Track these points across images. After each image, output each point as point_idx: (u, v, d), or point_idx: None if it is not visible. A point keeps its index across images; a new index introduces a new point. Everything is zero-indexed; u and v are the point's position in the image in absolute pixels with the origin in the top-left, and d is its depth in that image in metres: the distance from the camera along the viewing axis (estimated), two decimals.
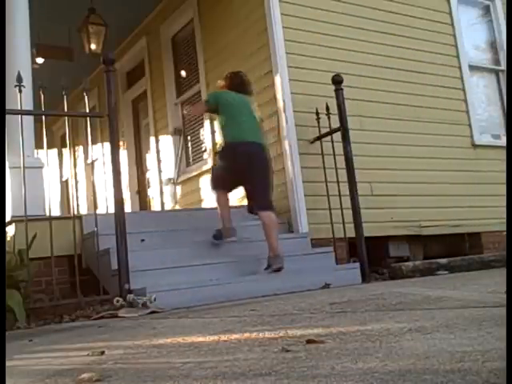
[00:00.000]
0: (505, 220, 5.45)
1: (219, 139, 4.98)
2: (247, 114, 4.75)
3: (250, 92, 4.92)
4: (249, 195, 4.81)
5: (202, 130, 6.84)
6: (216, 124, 5.15)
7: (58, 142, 10.75)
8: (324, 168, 5.16)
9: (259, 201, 4.65)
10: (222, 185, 4.77)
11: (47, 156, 4.38)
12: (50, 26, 7.07)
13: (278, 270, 4.43)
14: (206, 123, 6.60)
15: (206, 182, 6.50)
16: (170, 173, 7.30)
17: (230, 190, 4.83)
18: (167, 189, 7.34)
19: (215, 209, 5.24)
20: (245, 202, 5.77)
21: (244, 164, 4.59)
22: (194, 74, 6.94)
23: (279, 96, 5.36)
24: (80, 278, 3.99)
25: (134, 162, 8.72)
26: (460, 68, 6.75)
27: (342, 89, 5.16)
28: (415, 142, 6.06)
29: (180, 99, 7.34)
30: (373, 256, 5.11)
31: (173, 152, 7.26)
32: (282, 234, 5.15)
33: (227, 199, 4.79)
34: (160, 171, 7.64)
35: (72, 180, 9.43)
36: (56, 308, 3.89)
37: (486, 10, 7.51)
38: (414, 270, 4.89)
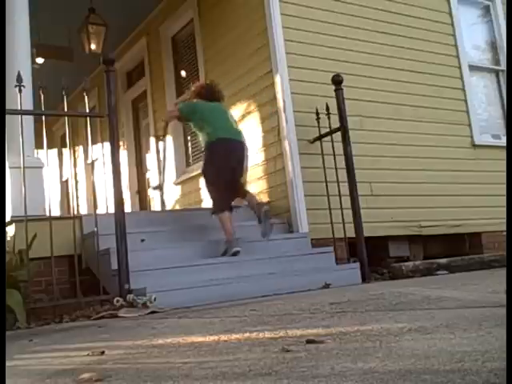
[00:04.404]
0: (505, 220, 5.45)
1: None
2: (224, 119, 5.00)
3: (222, 98, 5.16)
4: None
5: None
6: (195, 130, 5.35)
7: (58, 142, 10.76)
8: (324, 168, 5.16)
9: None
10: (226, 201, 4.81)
11: (47, 156, 4.38)
12: (50, 26, 7.08)
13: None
14: None
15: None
16: (172, 173, 7.28)
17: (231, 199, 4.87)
18: (156, 194, 7.27)
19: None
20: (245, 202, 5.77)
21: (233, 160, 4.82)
22: (194, 74, 6.94)
23: (279, 96, 5.36)
24: (80, 278, 3.98)
25: (133, 162, 8.72)
26: (460, 68, 6.75)
27: (341, 89, 5.16)
28: (415, 142, 6.06)
29: (180, 99, 7.33)
30: (373, 256, 5.11)
31: (172, 153, 7.24)
32: (282, 234, 5.15)
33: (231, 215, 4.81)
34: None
35: (72, 180, 9.42)
36: (56, 308, 3.89)
37: (486, 10, 7.51)
38: (414, 270, 4.89)
